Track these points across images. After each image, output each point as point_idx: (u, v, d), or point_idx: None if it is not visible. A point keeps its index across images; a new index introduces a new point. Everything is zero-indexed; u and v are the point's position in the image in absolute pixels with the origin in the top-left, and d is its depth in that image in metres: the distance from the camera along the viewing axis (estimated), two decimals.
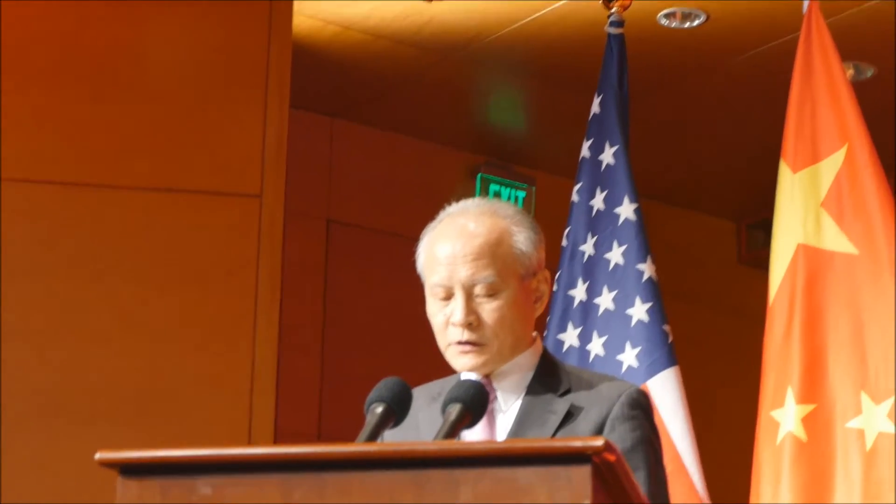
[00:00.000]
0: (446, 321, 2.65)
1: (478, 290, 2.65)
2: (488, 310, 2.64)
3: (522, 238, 2.72)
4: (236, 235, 4.48)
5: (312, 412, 5.93)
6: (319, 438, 5.59)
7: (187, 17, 4.62)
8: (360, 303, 6.21)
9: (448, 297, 2.66)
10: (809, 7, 4.46)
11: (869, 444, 4.03)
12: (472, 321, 2.63)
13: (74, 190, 4.47)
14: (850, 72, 5.26)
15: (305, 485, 1.98)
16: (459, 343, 2.64)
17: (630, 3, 4.97)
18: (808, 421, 4.11)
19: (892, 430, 4.00)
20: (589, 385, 2.68)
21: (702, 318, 6.31)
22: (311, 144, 5.99)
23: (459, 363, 2.66)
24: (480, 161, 6.72)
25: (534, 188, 6.70)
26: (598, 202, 4.67)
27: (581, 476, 1.89)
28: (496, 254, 2.68)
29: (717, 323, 6.65)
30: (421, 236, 2.76)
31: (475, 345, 2.64)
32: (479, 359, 2.64)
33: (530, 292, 2.71)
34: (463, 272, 2.65)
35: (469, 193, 5.64)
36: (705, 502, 4.28)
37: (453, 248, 2.67)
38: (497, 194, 6.46)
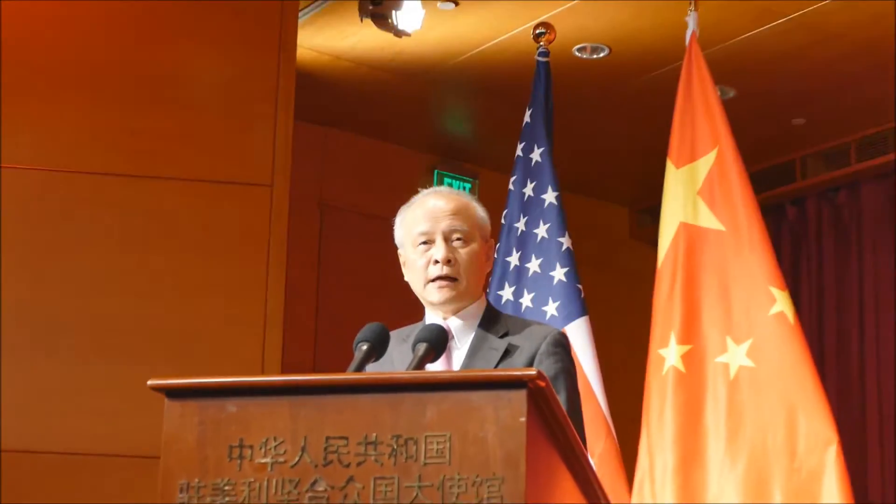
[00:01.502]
0: (427, 262, 2.63)
1: (455, 237, 2.65)
2: (462, 253, 2.64)
3: (481, 211, 2.74)
4: (252, 215, 4.45)
5: (309, 349, 5.94)
6: (315, 369, 5.58)
7: (214, 46, 4.59)
8: (345, 266, 6.22)
9: (429, 242, 2.64)
10: (690, 42, 4.48)
11: (732, 374, 4.04)
12: (451, 258, 2.62)
13: (123, 180, 4.43)
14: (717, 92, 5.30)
15: (308, 405, 1.97)
16: (438, 278, 2.62)
17: (553, 39, 4.98)
18: (686, 357, 4.12)
19: (750, 364, 4.02)
20: (522, 329, 2.67)
21: (605, 280, 6.33)
22: (310, 146, 5.97)
23: (437, 296, 2.63)
24: (437, 160, 6.72)
25: (477, 181, 6.72)
26: (528, 191, 4.68)
27: (519, 398, 1.88)
28: (467, 214, 2.69)
29: (615, 283, 6.68)
30: (397, 214, 2.75)
31: (450, 279, 2.62)
32: (453, 292, 2.63)
33: (485, 253, 2.70)
34: (444, 223, 2.65)
35: (428, 184, 5.63)
36: (607, 417, 4.30)
37: (436, 205, 2.67)
38: (450, 185, 6.47)
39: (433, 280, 2.63)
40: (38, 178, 4.37)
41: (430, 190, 2.77)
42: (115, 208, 4.40)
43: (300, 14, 4.97)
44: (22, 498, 4.12)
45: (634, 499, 4.09)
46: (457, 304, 2.66)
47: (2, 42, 4.40)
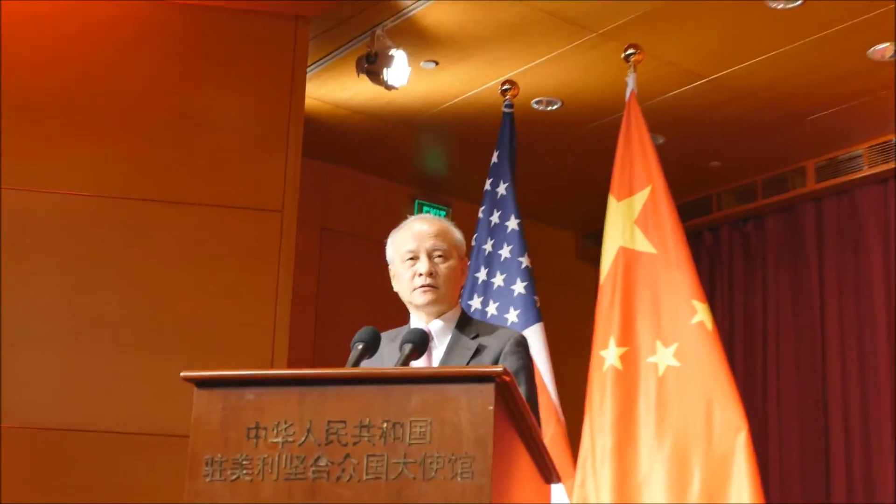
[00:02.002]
0: (413, 274, 2.64)
1: (436, 255, 2.65)
2: (442, 267, 2.65)
3: (458, 234, 2.74)
4: (265, 236, 4.43)
5: (309, 348, 5.92)
6: (314, 365, 5.55)
7: (236, 94, 4.57)
8: (341, 279, 6.21)
9: (415, 258, 2.65)
10: (629, 98, 4.51)
11: (660, 372, 4.04)
12: (433, 271, 2.63)
13: (158, 204, 4.41)
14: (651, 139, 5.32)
15: (313, 394, 1.97)
16: (423, 286, 2.63)
17: (517, 94, 5.00)
18: (623, 357, 4.12)
19: (676, 364, 4.03)
20: (490, 332, 2.67)
21: (556, 293, 6.33)
22: (313, 179, 5.96)
23: (421, 300, 2.64)
24: (417, 191, 6.71)
25: (451, 209, 6.71)
26: (494, 218, 4.67)
27: (488, 390, 1.89)
28: (447, 236, 2.69)
29: (565, 296, 6.68)
30: (389, 236, 2.76)
31: (432, 287, 2.63)
32: (434, 296, 2.63)
33: (460, 269, 2.71)
34: (428, 243, 2.66)
35: (410, 212, 5.63)
36: (557, 406, 4.30)
37: (421, 228, 2.68)
38: (428, 212, 6.46)
39: (418, 287, 2.64)
40: (89, 202, 4.34)
41: (416, 217, 2.78)
42: (150, 228, 4.38)
43: (308, 69, 4.96)
44: (71, 468, 4.09)
45: (578, 474, 4.09)
46: (437, 307, 2.66)
47: (62, 89, 4.38)
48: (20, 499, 4.02)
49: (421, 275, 2.63)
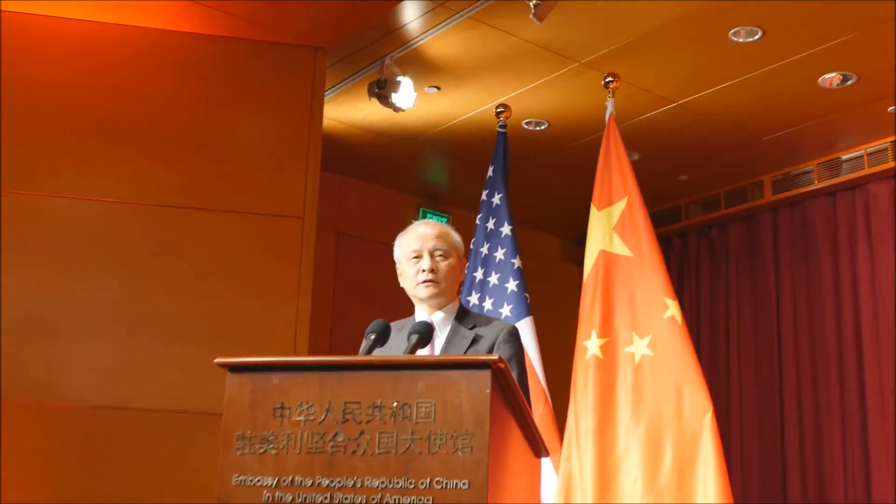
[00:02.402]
0: (417, 271, 2.65)
1: (437, 254, 2.66)
2: (442, 265, 2.65)
3: (456, 237, 2.74)
4: (287, 240, 4.42)
5: (326, 338, 5.92)
6: (330, 353, 5.55)
7: (262, 114, 4.57)
8: (355, 277, 6.20)
9: (419, 257, 2.66)
10: (608, 120, 4.50)
11: (636, 360, 4.03)
12: (434, 268, 2.64)
13: (193, 211, 4.40)
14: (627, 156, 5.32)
15: (332, 378, 1.97)
16: (425, 281, 2.63)
17: (510, 116, 5.00)
18: (603, 347, 4.11)
19: (650, 353, 4.01)
20: (485, 323, 2.67)
21: (544, 290, 6.30)
22: (330, 189, 5.96)
23: (424, 293, 2.64)
24: (421, 200, 6.70)
25: (451, 216, 6.70)
26: (490, 225, 4.67)
27: (485, 376, 1.89)
28: (447, 238, 2.70)
29: (551, 293, 6.66)
30: (396, 239, 2.76)
31: (434, 282, 2.63)
32: (435, 290, 2.64)
33: (459, 267, 2.70)
34: (430, 244, 2.66)
35: (415, 218, 5.62)
36: (545, 389, 4.28)
37: (424, 231, 2.69)
38: (431, 218, 6.42)
39: (421, 283, 2.64)
40: (135, 210, 4.34)
41: (420, 221, 2.78)
42: (187, 232, 4.38)
43: (325, 93, 4.98)
44: (119, 441, 4.09)
45: (564, 449, 4.07)
46: (438, 300, 2.65)
47: (111, 112, 4.38)
48: (76, 467, 4.02)
49: (424, 271, 2.63)
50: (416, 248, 2.66)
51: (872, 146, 5.79)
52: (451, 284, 2.68)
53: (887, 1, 4.37)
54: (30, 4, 4.30)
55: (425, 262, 2.64)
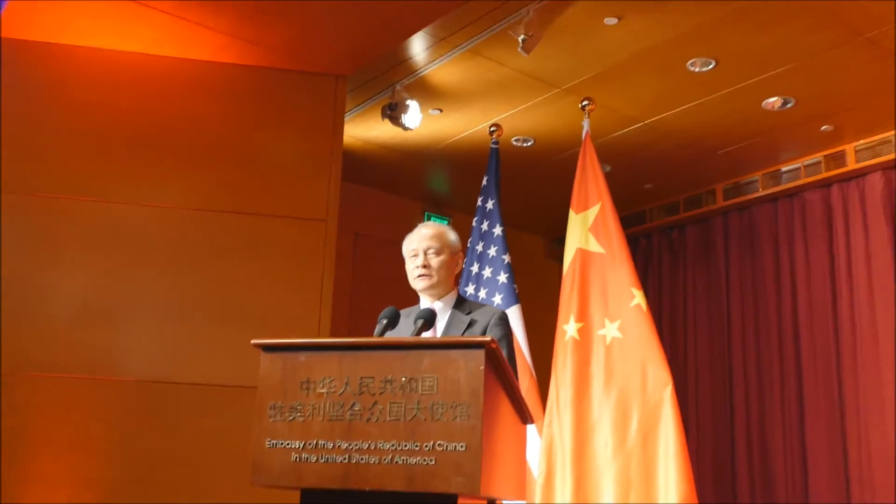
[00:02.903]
0: (414, 266, 2.67)
1: (430, 251, 2.66)
2: (434, 260, 2.66)
3: (452, 237, 2.74)
4: (313, 239, 4.40)
5: (345, 324, 5.90)
6: (350, 335, 5.55)
7: (293, 132, 4.55)
8: (370, 272, 6.19)
9: (416, 255, 2.67)
10: (585, 137, 4.49)
11: (608, 342, 4.02)
12: (426, 263, 2.65)
13: (232, 215, 4.39)
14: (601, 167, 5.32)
15: (349, 356, 1.97)
16: (420, 275, 2.65)
17: (501, 134, 4.99)
18: (580, 330, 4.10)
19: (619, 336, 4.01)
20: (480, 309, 2.67)
21: (530, 282, 6.28)
22: (349, 196, 5.96)
23: (419, 284, 2.66)
24: (427, 206, 6.68)
25: (452, 219, 6.68)
26: (484, 227, 4.65)
27: (480, 354, 1.89)
28: (440, 238, 2.69)
29: (536, 284, 6.64)
30: (404, 238, 2.76)
31: (426, 275, 2.64)
32: (428, 281, 2.65)
33: (452, 262, 2.70)
34: (425, 243, 2.67)
35: (421, 221, 5.62)
36: (530, 366, 4.27)
37: (422, 233, 2.70)
38: (435, 220, 6.39)
39: (416, 277, 2.65)
40: (183, 214, 4.33)
41: (422, 224, 2.78)
42: (227, 232, 4.37)
43: (346, 115, 4.97)
44: (167, 410, 4.08)
45: (546, 417, 4.08)
46: (434, 291, 2.65)
47: (163, 131, 4.38)
48: (132, 430, 4.02)
49: (418, 266, 2.64)
50: (413, 248, 2.68)
51: (808, 159, 5.79)
52: (446, 276, 2.67)
53: (821, 35, 4.37)
54: (100, 41, 4.31)
55: (419, 259, 2.65)
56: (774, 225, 6.10)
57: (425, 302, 2.67)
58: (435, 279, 2.64)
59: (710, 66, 4.65)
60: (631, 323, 4.00)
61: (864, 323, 5.46)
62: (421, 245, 2.66)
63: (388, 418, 1.89)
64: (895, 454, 5.11)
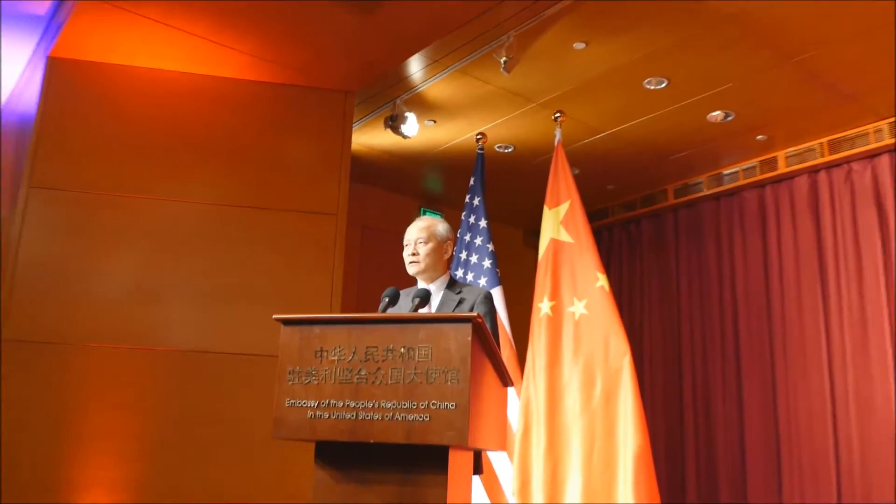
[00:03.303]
0: (407, 254, 2.67)
1: (419, 241, 2.66)
2: (421, 249, 2.66)
3: (441, 228, 2.72)
4: (325, 231, 4.39)
5: (354, 302, 5.89)
6: (357, 311, 5.53)
7: (306, 138, 4.52)
8: (375, 260, 6.16)
9: (408, 245, 2.68)
10: (557, 144, 4.49)
11: (576, 318, 4.02)
12: (415, 251, 2.65)
13: (251, 210, 4.36)
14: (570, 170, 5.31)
15: (357, 329, 1.97)
16: (410, 262, 2.65)
17: (486, 141, 4.98)
18: (552, 308, 4.11)
19: (586, 313, 4.01)
20: (468, 289, 2.67)
21: (510, 268, 6.27)
22: (357, 194, 5.93)
23: (411, 270, 2.66)
24: (422, 203, 6.64)
25: (444, 214, 6.65)
26: (471, 220, 4.63)
27: (467, 328, 1.89)
28: (428, 230, 2.69)
29: (516, 269, 6.63)
30: (406, 231, 2.75)
31: (415, 262, 2.65)
32: (417, 267, 2.65)
33: (441, 249, 2.69)
34: (414, 235, 2.68)
35: (417, 215, 5.58)
36: (510, 338, 4.25)
37: (414, 225, 2.70)
38: (430, 215, 6.35)
39: (408, 263, 2.66)
40: (213, 209, 4.30)
41: (417, 218, 2.78)
42: (252, 225, 4.35)
43: (353, 125, 4.94)
44: (203, 376, 4.08)
45: (524, 381, 4.09)
46: (425, 275, 2.65)
47: (196, 136, 4.34)
48: (174, 393, 4.01)
49: (409, 255, 2.65)
50: (406, 239, 2.69)
51: (746, 164, 5.80)
52: (436, 261, 2.67)
53: (757, 58, 4.37)
54: (144, 60, 4.29)
55: (409, 248, 2.66)
56: (717, 220, 6.12)
57: (422, 283, 2.68)
58: (422, 265, 2.64)
59: (664, 85, 4.66)
60: (596, 302, 4.01)
61: (791, 304, 5.49)
62: (411, 237, 2.68)
63: (389, 381, 1.90)
64: (818, 408, 5.17)
